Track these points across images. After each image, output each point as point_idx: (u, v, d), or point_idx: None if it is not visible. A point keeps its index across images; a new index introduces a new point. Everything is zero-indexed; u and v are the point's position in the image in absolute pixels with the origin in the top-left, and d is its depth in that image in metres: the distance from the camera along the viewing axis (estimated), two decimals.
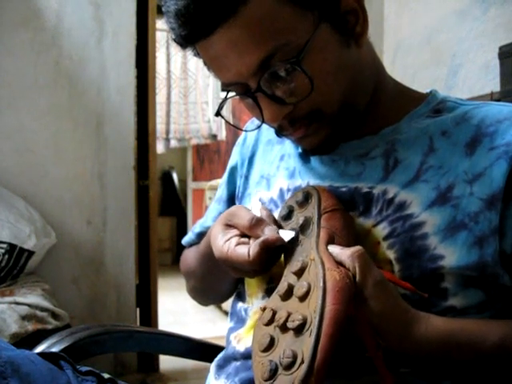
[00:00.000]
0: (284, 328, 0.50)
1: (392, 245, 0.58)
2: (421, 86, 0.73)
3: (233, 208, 0.66)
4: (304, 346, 0.47)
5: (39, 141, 2.09)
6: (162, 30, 3.94)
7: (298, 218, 0.60)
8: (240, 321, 0.71)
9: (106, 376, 0.72)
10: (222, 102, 0.66)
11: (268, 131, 0.81)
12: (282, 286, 0.55)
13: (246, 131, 0.82)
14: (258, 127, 0.67)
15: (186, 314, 3.24)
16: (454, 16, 1.79)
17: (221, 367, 0.69)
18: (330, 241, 0.56)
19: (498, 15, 1.61)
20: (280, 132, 0.65)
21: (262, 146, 0.80)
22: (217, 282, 0.80)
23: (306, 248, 0.57)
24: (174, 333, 0.94)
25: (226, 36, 0.56)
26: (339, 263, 0.52)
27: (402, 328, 0.52)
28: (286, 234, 0.59)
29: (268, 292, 0.66)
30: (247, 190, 0.78)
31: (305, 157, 0.71)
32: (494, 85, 1.54)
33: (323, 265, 0.51)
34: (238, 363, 0.66)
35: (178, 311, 3.28)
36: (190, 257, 0.86)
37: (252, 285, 0.70)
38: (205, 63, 0.64)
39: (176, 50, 4.10)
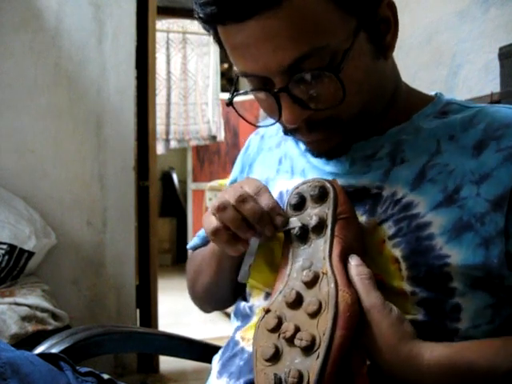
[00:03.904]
0: (291, 342, 0.51)
1: (398, 244, 0.58)
2: (421, 86, 0.73)
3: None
4: (310, 368, 0.49)
5: (39, 141, 2.09)
6: (161, 31, 3.95)
7: (311, 215, 0.59)
8: (245, 318, 0.71)
9: (106, 377, 0.72)
10: (232, 94, 0.62)
11: (270, 139, 0.80)
12: (289, 293, 0.54)
13: (260, 126, 0.81)
14: (272, 125, 0.64)
15: (186, 315, 3.23)
16: (454, 16, 1.79)
17: (224, 366, 0.69)
18: (343, 253, 0.56)
19: (498, 16, 1.60)
20: (291, 132, 0.64)
21: (264, 153, 0.80)
22: (225, 280, 0.79)
23: (315, 252, 0.57)
24: (173, 333, 0.94)
25: (262, 26, 0.52)
26: (349, 280, 0.54)
27: (400, 357, 0.51)
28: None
29: (269, 295, 0.66)
30: None
31: (309, 155, 0.71)
32: (494, 86, 1.54)
33: (336, 284, 0.52)
34: (241, 363, 0.65)
35: (178, 312, 3.28)
36: (198, 257, 0.85)
37: (254, 287, 0.70)
38: (220, 45, 0.60)
39: (176, 51, 4.10)
